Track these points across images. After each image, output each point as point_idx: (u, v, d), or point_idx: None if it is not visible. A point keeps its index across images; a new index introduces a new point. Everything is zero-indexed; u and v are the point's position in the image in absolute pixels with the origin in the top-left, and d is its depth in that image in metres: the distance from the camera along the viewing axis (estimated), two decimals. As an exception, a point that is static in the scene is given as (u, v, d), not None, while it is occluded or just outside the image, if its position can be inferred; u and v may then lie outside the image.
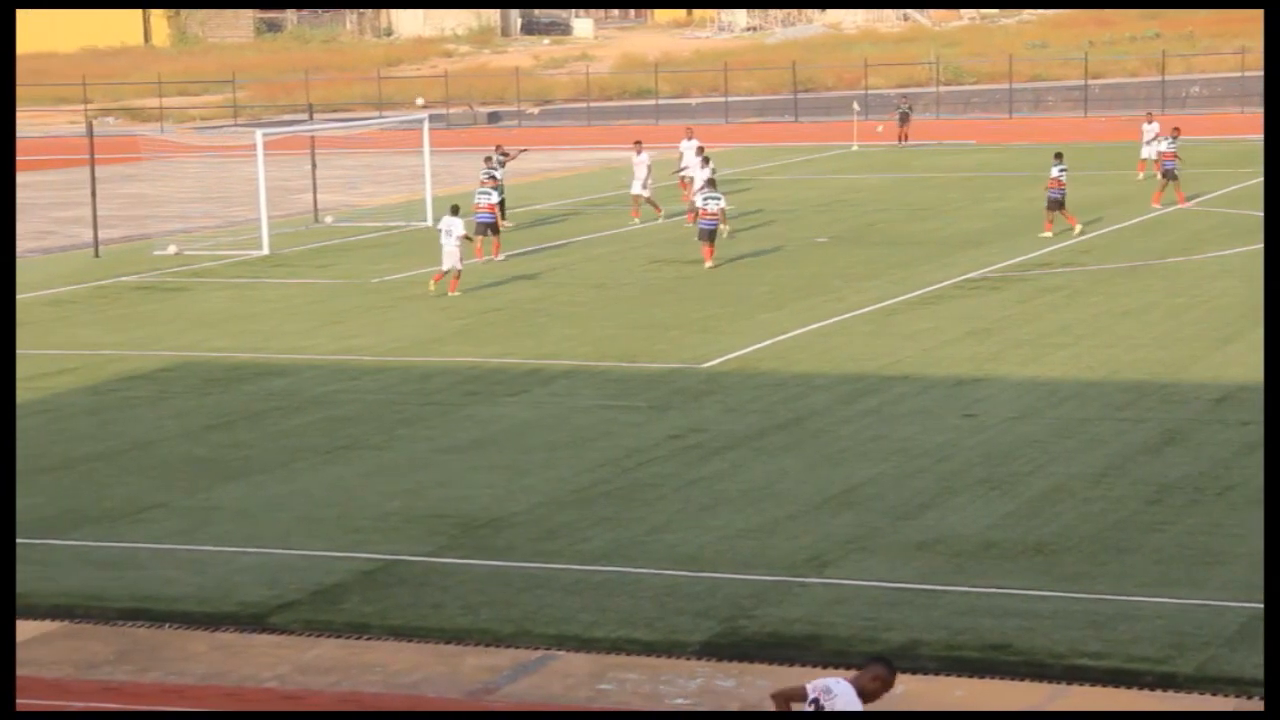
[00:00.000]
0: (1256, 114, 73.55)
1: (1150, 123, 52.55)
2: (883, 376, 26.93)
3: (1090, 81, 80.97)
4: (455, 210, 36.72)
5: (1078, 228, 40.91)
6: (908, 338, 29.98)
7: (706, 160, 44.75)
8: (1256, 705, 14.40)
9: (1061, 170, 41.28)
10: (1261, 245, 38.39)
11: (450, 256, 35.57)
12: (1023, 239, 41.05)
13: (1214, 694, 14.60)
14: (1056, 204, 41.01)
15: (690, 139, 48.45)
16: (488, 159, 44.91)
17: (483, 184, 41.74)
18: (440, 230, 36.20)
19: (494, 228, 40.77)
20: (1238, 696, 14.52)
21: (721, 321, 32.14)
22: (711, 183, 39.74)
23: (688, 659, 15.85)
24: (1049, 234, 40.90)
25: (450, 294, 35.41)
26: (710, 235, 38.33)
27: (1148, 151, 51.89)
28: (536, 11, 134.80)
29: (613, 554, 18.76)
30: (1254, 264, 36.03)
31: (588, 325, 32.32)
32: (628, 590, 17.60)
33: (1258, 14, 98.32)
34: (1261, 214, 43.28)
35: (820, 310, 32.85)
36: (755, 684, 15.24)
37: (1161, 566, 17.69)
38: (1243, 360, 26.92)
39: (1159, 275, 35.36)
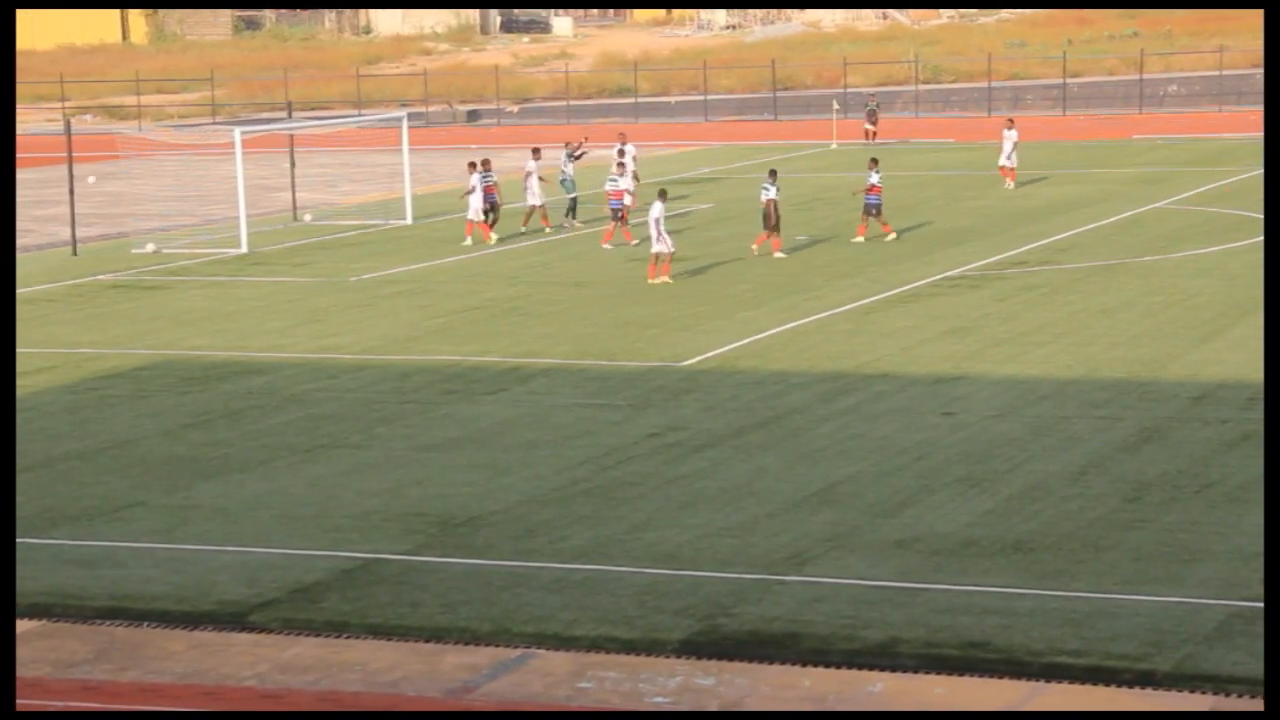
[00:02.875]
0: (1234, 113, 73.80)
1: (1010, 129, 51.72)
2: (861, 375, 26.96)
3: (1068, 80, 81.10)
4: (663, 195, 37.23)
5: (891, 235, 41.23)
6: (886, 336, 30.02)
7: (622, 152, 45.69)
8: (1235, 704, 14.44)
9: (879, 177, 41.35)
10: (1240, 243, 38.51)
11: (659, 241, 36.08)
12: (1001, 237, 41.11)
13: (1192, 691, 14.63)
14: (874, 209, 41.11)
15: (625, 143, 47.79)
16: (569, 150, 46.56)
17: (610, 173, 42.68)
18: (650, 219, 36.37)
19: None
20: (1216, 694, 14.55)
21: (700, 320, 32.15)
22: (773, 173, 39.38)
23: (667, 657, 15.85)
24: (861, 239, 41.08)
25: (665, 279, 35.98)
26: (773, 224, 38.71)
27: (1005, 160, 51.11)
28: (516, 10, 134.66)
29: (592, 552, 18.75)
30: (1231, 262, 36.14)
31: (566, 324, 32.31)
32: (607, 589, 17.59)
33: (1236, 14, 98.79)
34: (1246, 212, 43.38)
35: (799, 308, 32.87)
36: (734, 682, 15.25)
37: (1140, 564, 17.72)
38: (1220, 358, 26.98)
39: (1136, 274, 35.42)
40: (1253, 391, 24.58)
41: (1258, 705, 14.28)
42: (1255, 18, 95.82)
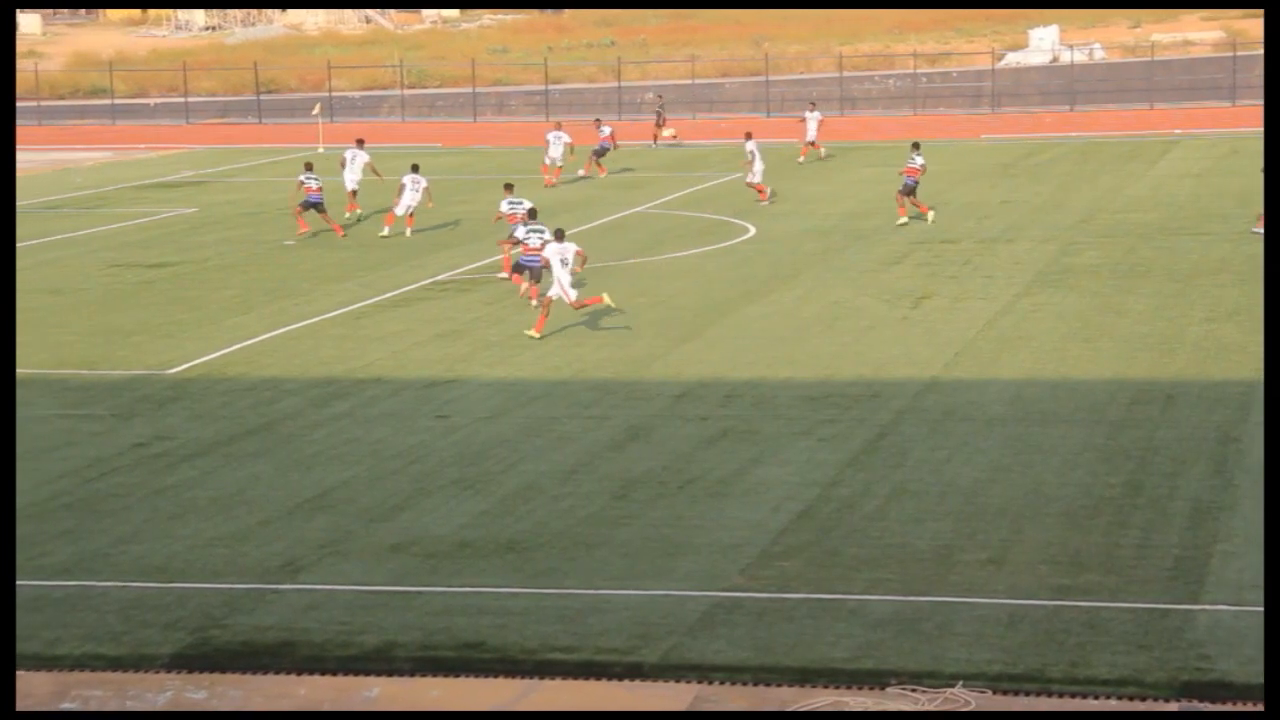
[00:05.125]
0: (707, 120, 76.55)
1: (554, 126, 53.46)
2: (354, 379, 26.85)
3: (550, 87, 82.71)
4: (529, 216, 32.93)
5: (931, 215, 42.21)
6: (378, 340, 29.98)
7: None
8: (716, 690, 14.96)
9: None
10: (716, 246, 40.02)
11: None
12: (489, 241, 41.57)
13: (678, 681, 15.10)
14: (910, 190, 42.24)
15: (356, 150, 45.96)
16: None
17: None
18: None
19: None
20: (700, 682, 15.05)
21: (186, 326, 31.44)
22: (533, 213, 33.93)
23: (156, 672, 15.44)
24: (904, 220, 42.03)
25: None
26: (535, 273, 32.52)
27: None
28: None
29: (74, 568, 18.11)
30: (708, 264, 37.50)
31: (43, 331, 31.10)
32: (91, 604, 17.03)
33: (706, 25, 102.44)
34: (722, 216, 45.06)
35: (289, 313, 32.50)
36: (227, 694, 14.97)
37: (628, 560, 18.19)
38: (700, 358, 27.95)
39: (621, 276, 36.36)
40: (729, 389, 25.56)
41: (739, 692, 14.87)
42: (724, 30, 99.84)
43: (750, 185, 47.47)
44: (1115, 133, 65.55)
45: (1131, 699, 14.46)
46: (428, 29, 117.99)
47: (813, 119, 58.18)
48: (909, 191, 42.12)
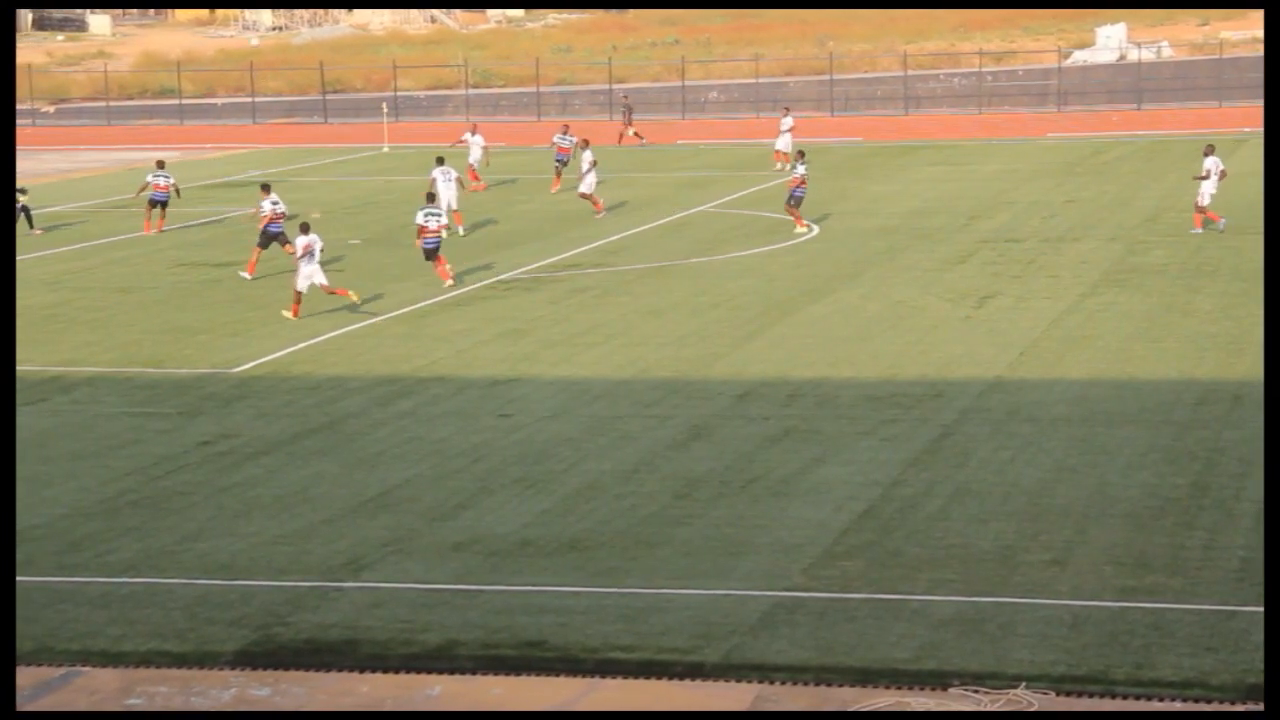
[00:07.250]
0: (771, 119, 76.45)
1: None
2: (418, 378, 26.95)
3: (614, 86, 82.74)
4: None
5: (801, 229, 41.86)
6: (442, 339, 30.08)
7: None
8: (777, 690, 14.93)
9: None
10: (779, 245, 39.95)
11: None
12: (554, 240, 41.66)
13: (739, 680, 15.08)
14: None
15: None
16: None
17: None
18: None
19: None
20: (760, 682, 15.03)
21: (253, 325, 31.62)
22: (431, 196, 35.90)
23: (220, 669, 15.55)
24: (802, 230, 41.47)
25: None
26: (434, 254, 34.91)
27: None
28: (49, 9, 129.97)
29: (141, 565, 18.25)
30: (770, 264, 37.46)
31: (111, 330, 31.36)
32: (157, 601, 17.15)
33: (771, 24, 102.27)
34: (784, 215, 45.00)
35: (353, 312, 32.63)
36: (290, 691, 15.05)
37: (689, 559, 18.18)
38: (763, 357, 27.92)
39: (683, 275, 36.37)
40: (792, 389, 25.52)
41: (801, 692, 14.84)
42: (788, 29, 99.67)
43: (583, 196, 45.63)
44: (1183, 131, 65.06)
45: (1196, 701, 14.35)
46: (492, 29, 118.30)
47: (785, 124, 56.62)
48: (797, 202, 41.50)
